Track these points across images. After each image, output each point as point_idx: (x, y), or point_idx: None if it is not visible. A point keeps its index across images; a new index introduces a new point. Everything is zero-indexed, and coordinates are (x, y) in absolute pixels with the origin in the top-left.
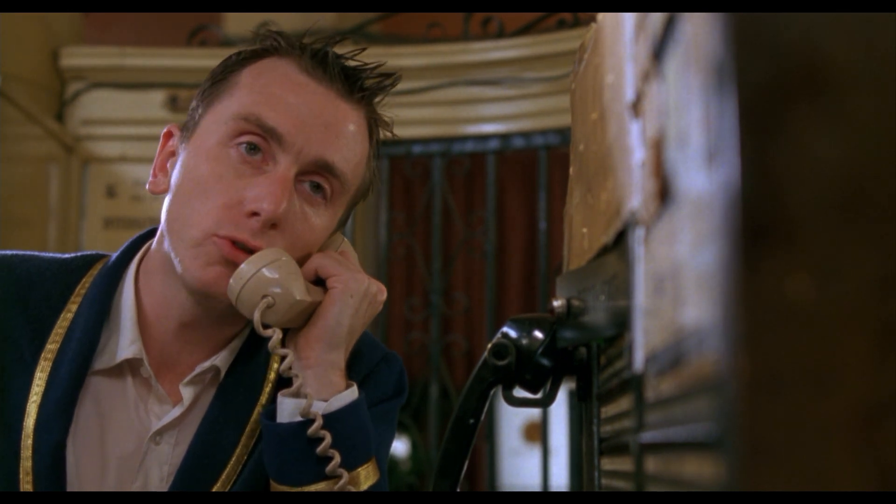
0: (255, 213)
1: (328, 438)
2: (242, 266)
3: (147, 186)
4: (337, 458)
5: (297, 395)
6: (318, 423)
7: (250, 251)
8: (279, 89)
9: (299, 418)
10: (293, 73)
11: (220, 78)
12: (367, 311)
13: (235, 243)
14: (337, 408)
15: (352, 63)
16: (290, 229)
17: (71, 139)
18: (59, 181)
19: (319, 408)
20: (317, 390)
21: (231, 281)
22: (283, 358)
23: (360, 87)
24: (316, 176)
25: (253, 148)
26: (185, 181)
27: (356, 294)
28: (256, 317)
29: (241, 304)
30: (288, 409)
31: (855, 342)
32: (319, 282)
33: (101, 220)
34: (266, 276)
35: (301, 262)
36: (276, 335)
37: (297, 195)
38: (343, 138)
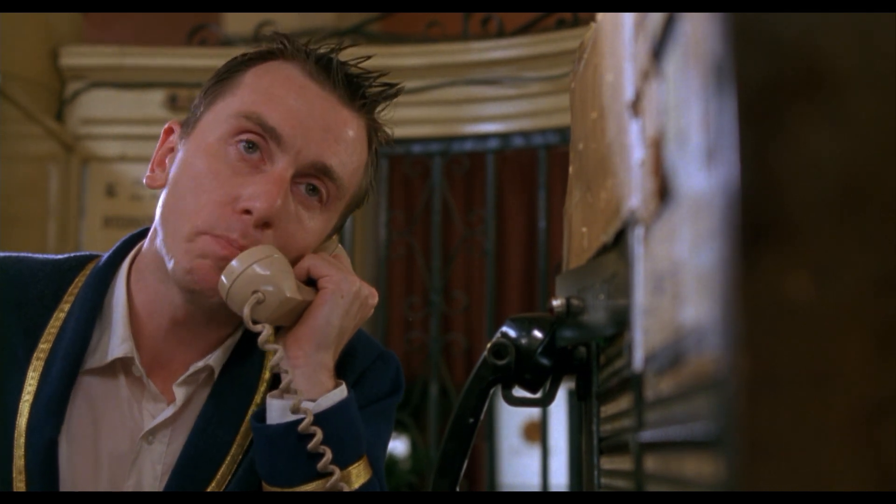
0: (247, 212)
1: (319, 434)
2: (233, 262)
3: (144, 180)
4: (328, 455)
5: (287, 390)
6: (309, 419)
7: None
8: (282, 91)
9: (288, 419)
10: (297, 77)
11: (225, 77)
12: (358, 313)
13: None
14: (326, 407)
15: (355, 70)
16: (282, 230)
17: (70, 138)
18: (58, 180)
19: (308, 407)
20: (305, 390)
21: (222, 276)
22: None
23: (361, 95)
24: (313, 179)
25: (252, 146)
26: (183, 176)
27: (347, 295)
28: (246, 312)
29: (232, 300)
30: (277, 411)
31: (854, 341)
32: (311, 282)
33: (100, 220)
34: (257, 273)
35: (293, 263)
36: (266, 330)
37: (292, 197)
38: (342, 143)
